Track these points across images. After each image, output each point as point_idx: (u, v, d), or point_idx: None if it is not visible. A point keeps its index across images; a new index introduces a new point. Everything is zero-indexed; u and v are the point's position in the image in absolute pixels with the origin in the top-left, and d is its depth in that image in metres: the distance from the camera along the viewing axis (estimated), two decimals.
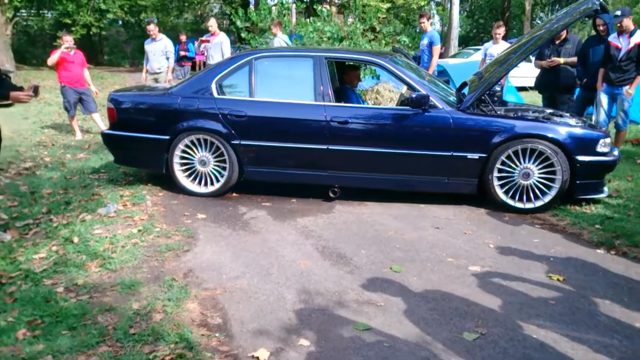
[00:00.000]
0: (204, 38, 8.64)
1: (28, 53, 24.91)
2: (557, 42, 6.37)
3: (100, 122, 8.05)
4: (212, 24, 8.50)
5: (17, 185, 5.22)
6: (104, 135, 5.15)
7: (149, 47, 8.29)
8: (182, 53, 13.22)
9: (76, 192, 5.02)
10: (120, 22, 27.47)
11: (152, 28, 8.21)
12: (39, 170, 5.85)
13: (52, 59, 7.53)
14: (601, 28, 6.11)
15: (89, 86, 7.93)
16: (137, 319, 2.76)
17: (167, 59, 8.34)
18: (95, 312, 2.83)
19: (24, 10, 23.39)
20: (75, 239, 3.80)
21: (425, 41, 8.00)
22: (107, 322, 2.73)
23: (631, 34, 5.73)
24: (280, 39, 8.62)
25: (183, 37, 14.26)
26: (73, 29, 21.47)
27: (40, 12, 24.09)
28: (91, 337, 2.59)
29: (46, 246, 3.72)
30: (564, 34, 6.33)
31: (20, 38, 26.26)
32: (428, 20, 8.05)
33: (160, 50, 8.23)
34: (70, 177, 5.58)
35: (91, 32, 23.50)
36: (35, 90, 3.66)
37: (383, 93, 9.14)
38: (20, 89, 3.72)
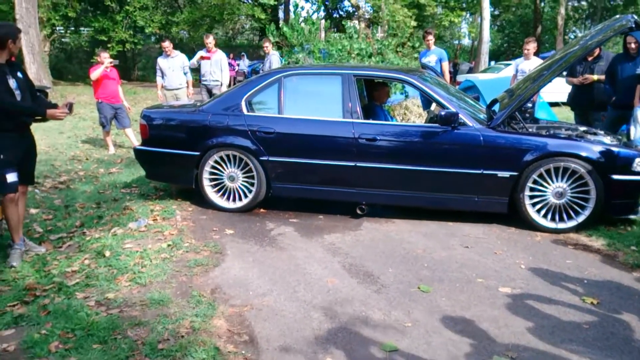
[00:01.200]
0: (203, 55, 8.70)
1: (65, 69, 25.78)
2: (590, 59, 6.26)
3: (133, 137, 8.22)
4: (211, 41, 8.64)
5: (51, 199, 5.37)
6: (136, 150, 5.27)
7: (165, 63, 8.37)
8: (245, 71, 12.99)
9: (108, 206, 5.14)
10: (153, 39, 28.21)
11: (168, 45, 8.36)
12: (73, 184, 6.01)
13: (96, 74, 7.72)
14: (632, 46, 5.97)
15: (122, 102, 8.13)
16: (166, 334, 2.79)
17: (185, 74, 8.51)
18: (125, 326, 2.88)
19: (61, 27, 24.24)
20: (107, 253, 3.87)
21: (432, 58, 8.06)
22: (137, 337, 2.77)
23: None
24: (270, 59, 8.72)
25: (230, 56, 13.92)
26: (109, 45, 22.12)
27: (77, 29, 24.92)
28: (121, 351, 2.63)
29: (79, 259, 3.81)
30: (597, 51, 6.22)
31: (57, 55, 27.22)
32: (433, 37, 8.19)
33: (178, 67, 8.39)
34: (103, 191, 5.71)
35: (125, 49, 24.17)
36: (70, 107, 3.77)
37: (412, 109, 9.13)
38: (55, 106, 3.84)
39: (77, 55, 27.26)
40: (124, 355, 2.59)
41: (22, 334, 2.82)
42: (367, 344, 2.75)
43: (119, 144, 8.81)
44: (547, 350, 2.68)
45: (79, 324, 2.89)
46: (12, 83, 3.62)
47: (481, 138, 4.40)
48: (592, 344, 2.74)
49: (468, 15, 31.25)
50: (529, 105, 6.51)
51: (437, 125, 4.49)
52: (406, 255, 3.97)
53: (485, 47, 19.63)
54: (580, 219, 4.37)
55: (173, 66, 8.39)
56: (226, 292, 3.33)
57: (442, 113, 4.38)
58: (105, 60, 7.76)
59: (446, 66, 8.18)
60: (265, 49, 8.96)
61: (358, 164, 4.62)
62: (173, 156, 5.02)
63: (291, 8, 21.92)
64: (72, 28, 24.87)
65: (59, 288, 3.34)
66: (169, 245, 4.06)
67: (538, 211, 4.45)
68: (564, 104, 6.95)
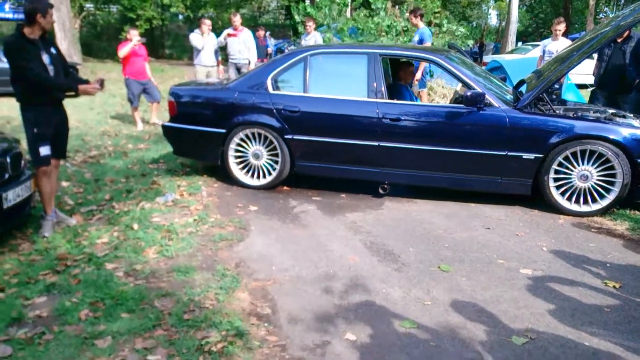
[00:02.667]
0: (230, 32, 8.74)
1: (94, 46, 26.06)
2: (619, 40, 6.10)
3: (155, 114, 8.53)
4: (238, 19, 8.68)
5: (82, 173, 5.52)
6: (164, 127, 5.36)
7: (201, 41, 8.45)
8: (269, 50, 12.53)
9: (137, 180, 5.26)
10: (180, 17, 28.28)
11: (209, 23, 8.55)
12: (103, 159, 6.16)
13: (124, 51, 7.85)
14: None
15: (150, 79, 8.25)
16: (191, 306, 2.88)
17: (216, 52, 8.69)
18: (152, 296, 2.98)
19: (91, 4, 24.47)
20: (135, 226, 3.99)
21: (415, 38, 7.90)
22: (163, 307, 2.87)
23: None
24: (315, 37, 8.70)
25: (261, 32, 12.94)
26: (137, 23, 22.25)
27: (106, 6, 25.13)
28: (148, 320, 2.73)
29: (108, 232, 3.93)
30: (627, 32, 6.05)
31: (87, 31, 27.51)
32: (418, 17, 7.95)
33: (212, 45, 8.55)
34: (132, 166, 5.84)
35: (153, 26, 24.31)
36: (102, 83, 3.85)
37: (436, 89, 9.03)
38: (87, 82, 3.93)
39: (107, 32, 27.46)
40: (151, 324, 2.70)
41: (54, 302, 2.95)
42: (387, 320, 2.80)
43: (147, 120, 8.95)
44: (567, 333, 2.69)
45: (108, 293, 3.00)
46: (45, 59, 3.71)
47: (507, 119, 4.36)
48: (613, 328, 2.74)
49: None
50: (556, 86, 6.40)
51: (462, 105, 4.46)
52: (427, 235, 3.99)
53: (513, 28, 19.18)
54: (605, 202, 4.32)
55: (208, 44, 8.52)
56: (250, 266, 3.41)
57: (468, 93, 4.34)
58: (133, 38, 7.89)
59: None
60: (307, 28, 8.91)
61: (382, 144, 4.63)
62: (200, 133, 5.10)
63: None
64: (102, 5, 25.09)
65: (89, 259, 3.47)
66: (194, 219, 4.16)
67: (562, 194, 4.41)
68: (591, 85, 6.79)
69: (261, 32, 12.73)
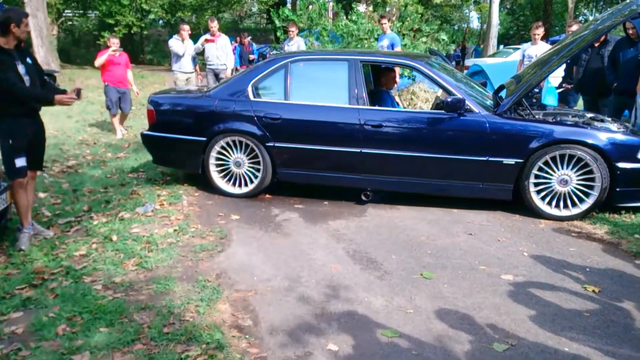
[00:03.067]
0: (208, 38, 8.67)
1: (72, 53, 25.75)
2: (596, 45, 6.20)
3: (119, 124, 8.26)
4: (215, 25, 8.64)
5: (60, 183, 5.43)
6: (143, 135, 5.30)
7: (181, 47, 8.42)
8: (252, 57, 11.97)
9: (116, 190, 5.19)
10: (161, 22, 28.08)
11: (187, 28, 8.50)
12: (82, 169, 6.07)
13: (100, 61, 7.80)
14: (630, 32, 5.90)
15: (131, 87, 8.18)
16: (171, 319, 2.84)
17: (194, 59, 8.67)
18: (131, 310, 2.93)
19: (69, 11, 24.18)
20: (114, 237, 3.93)
21: (385, 42, 8.01)
22: (142, 321, 2.82)
23: None
24: (298, 43, 8.71)
25: (245, 39, 12.64)
26: (116, 28, 22.03)
27: (85, 12, 24.84)
28: (127, 334, 2.69)
29: (86, 244, 3.87)
30: (603, 36, 6.15)
31: (65, 38, 27.17)
32: (388, 21, 8.17)
33: (191, 51, 8.52)
34: (111, 176, 5.76)
35: (132, 32, 24.11)
36: (78, 93, 3.79)
37: (418, 94, 9.08)
38: (64, 92, 3.86)
39: (85, 39, 27.20)
40: (130, 338, 2.65)
41: (30, 317, 2.88)
42: (369, 329, 2.79)
43: (127, 127, 8.85)
44: (547, 338, 2.71)
45: (86, 307, 2.95)
46: (21, 69, 3.64)
47: (487, 125, 4.39)
48: (592, 332, 2.77)
49: None
50: (536, 90, 6.46)
51: (443, 111, 4.48)
52: (410, 242, 4.00)
53: (494, 31, 19.41)
54: (585, 206, 4.37)
55: (188, 50, 8.48)
56: (231, 277, 3.37)
57: (449, 99, 4.36)
58: (112, 46, 7.83)
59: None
60: (290, 33, 8.92)
61: (364, 151, 4.63)
62: (180, 142, 5.05)
63: None
64: (80, 11, 24.81)
65: (67, 272, 3.41)
66: (175, 230, 4.11)
67: (543, 198, 4.45)
68: (572, 89, 6.90)
69: (246, 39, 12.44)
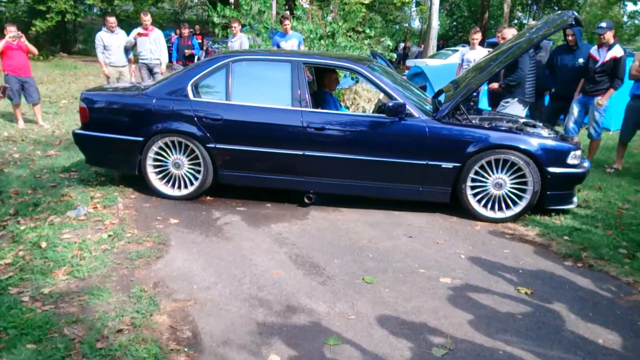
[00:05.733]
0: (141, 32, 8.53)
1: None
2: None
3: (40, 114, 8.23)
4: (149, 18, 8.54)
5: None
6: (75, 134, 5.04)
7: (110, 39, 8.27)
8: (188, 52, 10.78)
9: (45, 192, 4.91)
10: (95, 10, 26.85)
11: (114, 20, 8.32)
12: (7, 168, 5.69)
13: None
14: (569, 38, 6.22)
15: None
16: (105, 332, 2.71)
17: (127, 51, 8.49)
18: (61, 323, 2.78)
19: None
20: (43, 244, 3.72)
21: (294, 42, 8.27)
22: (74, 335, 2.68)
23: (610, 47, 5.85)
24: (241, 39, 8.64)
25: (185, 31, 11.15)
26: (48, 16, 20.90)
27: None
28: (56, 351, 2.54)
29: (12, 251, 3.63)
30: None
31: None
32: (290, 22, 8.41)
33: (122, 43, 8.37)
34: (40, 176, 5.45)
35: (66, 19, 22.94)
36: (4, 91, 3.55)
37: (361, 94, 9.15)
38: None
39: (17, 27, 25.59)
40: (59, 355, 2.51)
41: None
42: (311, 337, 2.78)
43: (29, 118, 8.47)
44: (483, 342, 2.79)
45: (12, 322, 2.76)
46: None
47: (426, 129, 4.48)
48: (524, 334, 2.88)
49: None
50: (474, 94, 6.66)
51: (384, 115, 4.53)
52: (352, 246, 4.02)
53: (434, 33, 19.90)
54: (518, 209, 4.56)
55: (118, 42, 8.34)
56: (169, 285, 3.26)
57: (390, 104, 4.42)
58: (7, 34, 7.70)
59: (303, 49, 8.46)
60: (233, 29, 8.77)
61: (306, 153, 4.61)
62: (115, 141, 4.84)
63: None
64: None
65: None
66: (109, 235, 3.94)
67: (479, 201, 4.60)
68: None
69: (185, 31, 11.29)
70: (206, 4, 27.30)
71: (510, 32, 6.47)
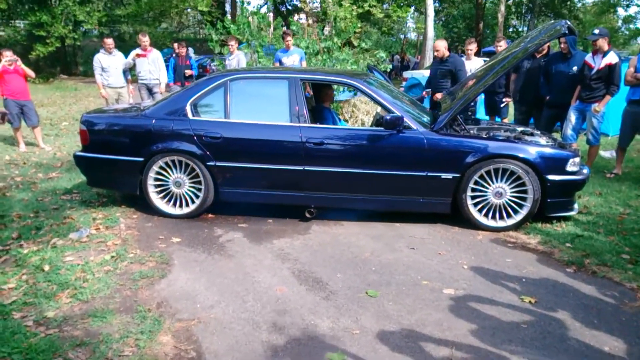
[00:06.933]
0: (139, 52, 8.66)
1: None
2: (538, 56, 6.53)
3: (40, 137, 8.31)
4: (147, 40, 8.66)
5: None
6: (76, 157, 5.07)
7: (107, 61, 8.37)
8: (188, 72, 10.20)
9: (48, 215, 4.93)
10: (95, 32, 27.14)
11: (111, 42, 8.43)
12: (9, 192, 5.73)
13: None
14: (562, 46, 6.27)
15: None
16: (109, 354, 2.71)
17: (124, 72, 8.59)
18: (65, 347, 2.78)
19: None
20: (46, 267, 3.73)
21: (295, 57, 8.37)
22: (78, 359, 2.68)
23: (604, 54, 5.89)
24: (238, 57, 8.72)
25: (183, 50, 10.42)
26: (48, 41, 21.10)
27: (9, 22, 23.60)
28: None
29: (16, 275, 3.64)
30: (546, 48, 6.49)
31: None
32: (293, 37, 8.54)
33: (120, 65, 8.47)
34: (42, 199, 5.47)
35: (65, 44, 23.16)
36: (2, 117, 3.59)
37: (360, 106, 9.21)
38: None
39: (14, 51, 25.84)
40: None
41: None
42: (316, 353, 2.77)
43: (30, 141, 8.53)
44: (488, 353, 2.78)
45: (16, 347, 2.76)
46: None
47: (425, 141, 4.50)
48: (530, 344, 2.87)
49: (413, 9, 31.75)
50: (471, 104, 6.70)
51: (382, 128, 4.55)
52: (354, 259, 4.02)
53: (430, 44, 19.99)
54: (519, 217, 4.56)
55: (116, 64, 8.43)
56: (173, 305, 3.27)
57: (388, 117, 4.44)
58: (4, 59, 7.78)
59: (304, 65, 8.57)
60: (230, 47, 8.87)
61: (306, 168, 4.63)
62: (115, 162, 4.87)
63: (238, 2, 21.63)
64: (5, 20, 23.56)
65: None
66: (112, 256, 3.94)
67: (479, 211, 4.61)
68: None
69: (183, 50, 10.54)
70: (204, 23, 27.60)
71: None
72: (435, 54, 6.86)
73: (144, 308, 3.19)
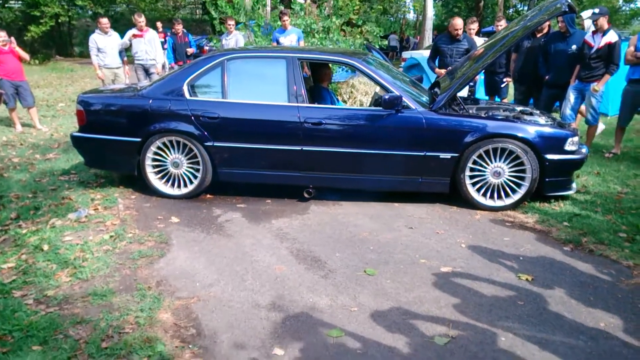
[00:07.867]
0: (136, 33, 8.59)
1: None
2: (539, 35, 6.47)
3: (37, 118, 8.31)
4: (143, 20, 8.59)
5: None
6: (73, 137, 5.05)
7: (103, 41, 8.27)
8: (190, 50, 9.95)
9: (46, 195, 4.93)
10: (90, 12, 26.82)
11: (106, 22, 8.31)
12: (7, 172, 5.71)
13: None
14: (560, 25, 6.22)
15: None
16: (109, 332, 2.73)
17: (120, 52, 8.51)
18: (66, 325, 2.80)
19: None
20: (45, 247, 3.74)
21: (293, 37, 8.32)
22: (79, 336, 2.70)
23: (604, 33, 5.84)
24: (237, 37, 8.64)
25: (179, 27, 10.03)
26: (42, 21, 20.88)
27: (5, 2, 23.31)
28: (62, 352, 2.56)
29: (15, 255, 3.65)
30: (546, 27, 6.44)
31: None
32: (288, 17, 8.48)
33: (116, 45, 8.38)
34: (40, 179, 5.47)
35: (60, 21, 22.88)
36: None
37: (358, 87, 9.15)
38: None
39: (8, 31, 25.56)
40: (65, 356, 2.53)
41: None
42: (314, 331, 2.80)
43: (26, 122, 8.49)
44: (485, 329, 2.81)
45: (17, 325, 2.78)
46: None
47: (424, 121, 4.49)
48: (526, 320, 2.90)
49: None
50: (471, 84, 6.67)
51: (381, 108, 4.53)
52: (353, 239, 4.04)
53: (430, 24, 19.83)
54: (517, 196, 4.57)
55: (112, 44, 8.34)
56: (172, 284, 3.28)
57: (386, 97, 4.42)
58: None
59: (302, 45, 8.54)
60: (228, 27, 8.79)
61: (304, 148, 4.61)
62: (113, 143, 4.85)
63: None
64: (1, 1, 23.28)
65: None
66: (111, 236, 3.96)
67: (478, 190, 4.62)
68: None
69: (179, 27, 10.19)
70: (202, 3, 27.26)
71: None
72: (456, 32, 6.72)
73: (144, 286, 3.21)
